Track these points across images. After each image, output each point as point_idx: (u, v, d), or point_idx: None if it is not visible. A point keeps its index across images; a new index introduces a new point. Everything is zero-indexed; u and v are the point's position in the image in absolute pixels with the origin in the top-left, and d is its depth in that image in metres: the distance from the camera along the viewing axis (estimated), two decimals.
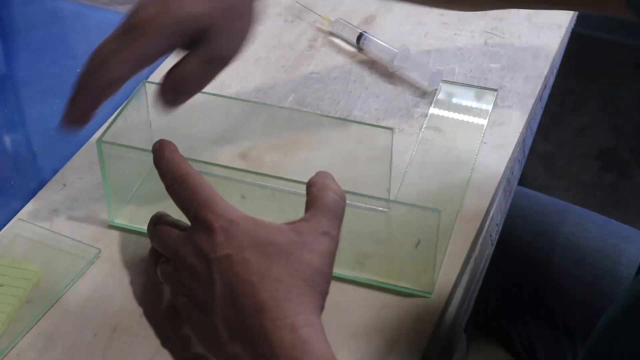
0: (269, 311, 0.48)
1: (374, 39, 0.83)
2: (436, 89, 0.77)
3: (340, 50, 0.85)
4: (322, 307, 0.52)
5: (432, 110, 0.75)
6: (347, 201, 0.55)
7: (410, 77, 0.81)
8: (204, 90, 0.61)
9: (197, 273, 0.51)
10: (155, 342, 0.57)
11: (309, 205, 0.54)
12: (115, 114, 0.64)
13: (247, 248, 0.50)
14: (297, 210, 0.62)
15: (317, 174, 0.56)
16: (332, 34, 0.86)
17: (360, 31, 0.84)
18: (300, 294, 0.49)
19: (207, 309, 0.50)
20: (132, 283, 0.61)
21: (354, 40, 0.84)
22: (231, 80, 0.80)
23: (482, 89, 0.78)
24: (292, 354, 0.47)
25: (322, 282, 0.51)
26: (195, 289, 0.52)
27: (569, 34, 0.91)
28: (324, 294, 0.52)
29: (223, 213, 0.52)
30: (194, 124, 0.70)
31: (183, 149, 0.69)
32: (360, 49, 0.84)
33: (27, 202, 0.67)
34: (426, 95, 0.78)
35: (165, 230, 0.57)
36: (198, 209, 0.53)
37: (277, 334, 0.47)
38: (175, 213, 0.57)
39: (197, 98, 0.68)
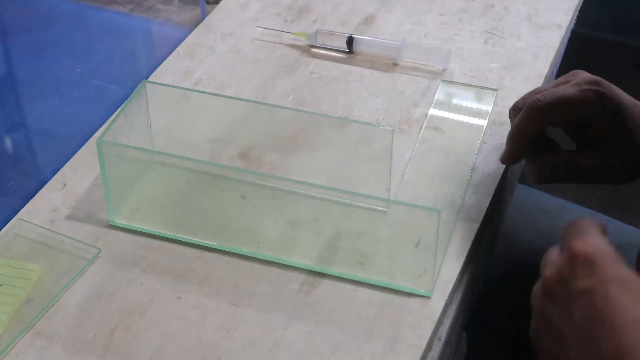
0: (632, 357, 0.43)
1: (367, 38, 0.84)
2: (437, 89, 0.77)
3: (332, 57, 0.85)
4: None
5: (432, 110, 0.75)
6: (347, 201, 0.55)
7: (421, 63, 0.81)
8: (203, 90, 0.62)
9: (557, 297, 0.48)
10: (155, 342, 0.57)
11: None
12: (115, 114, 0.64)
13: (611, 282, 0.45)
14: (297, 210, 0.62)
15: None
16: (313, 46, 0.85)
17: (347, 35, 0.84)
18: None
19: (564, 339, 0.46)
20: (132, 283, 0.61)
21: (344, 46, 0.84)
22: (231, 80, 0.80)
23: (482, 89, 0.78)
24: None
25: None
26: (552, 312, 0.48)
27: (569, 34, 0.91)
28: None
29: (590, 242, 0.48)
30: (194, 124, 0.70)
31: (183, 149, 0.69)
32: (351, 53, 0.84)
33: (27, 202, 0.67)
34: (426, 95, 0.78)
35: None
36: (575, 235, 0.49)
37: None
38: (177, 212, 0.57)
39: (197, 98, 0.68)
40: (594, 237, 0.48)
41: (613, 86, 0.64)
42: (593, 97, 0.63)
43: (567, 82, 0.65)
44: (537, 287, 0.51)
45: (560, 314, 0.47)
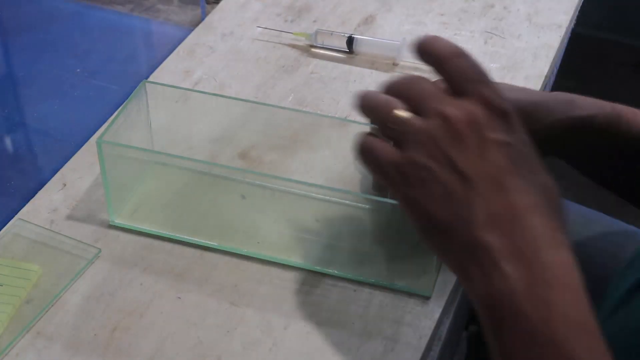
0: (543, 213, 0.44)
1: (367, 38, 0.84)
2: None
3: (332, 57, 0.85)
4: None
5: None
6: (347, 201, 0.55)
7: (421, 63, 0.81)
8: (203, 90, 0.62)
9: (467, 141, 0.46)
10: (155, 342, 0.57)
11: None
12: (115, 114, 0.64)
13: (525, 144, 0.46)
14: (297, 210, 0.62)
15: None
16: (313, 46, 0.86)
17: (347, 35, 0.84)
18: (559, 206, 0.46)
19: (469, 182, 0.45)
20: (132, 283, 0.61)
21: (344, 46, 0.84)
22: (231, 80, 0.80)
23: None
24: (559, 272, 0.43)
25: None
26: (460, 156, 0.46)
27: (569, 34, 0.91)
28: None
29: (505, 98, 0.47)
30: (194, 124, 0.70)
31: (183, 149, 0.69)
32: (351, 53, 0.84)
33: (27, 202, 0.67)
34: None
35: (427, 84, 0.51)
36: (483, 84, 0.48)
37: (548, 234, 0.43)
38: (177, 212, 0.57)
39: (197, 98, 0.68)
40: (504, 92, 0.48)
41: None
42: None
43: None
44: (412, 120, 0.48)
45: (470, 158, 0.46)
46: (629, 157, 0.64)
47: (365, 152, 0.49)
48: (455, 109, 0.47)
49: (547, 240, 0.44)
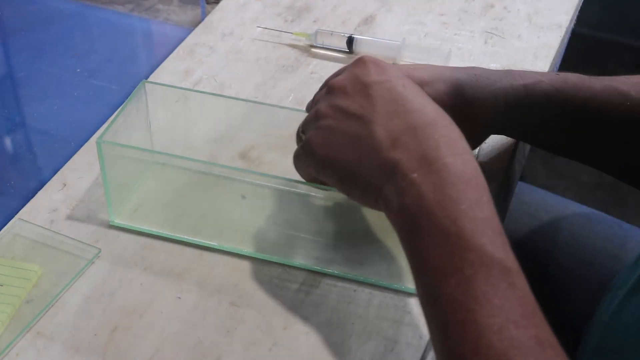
0: (440, 126, 0.49)
1: (367, 38, 0.84)
2: None
3: (332, 57, 0.85)
4: None
5: None
6: (347, 201, 0.55)
7: (421, 63, 0.81)
8: (204, 90, 0.62)
9: (351, 92, 0.53)
10: (155, 342, 0.57)
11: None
12: (115, 114, 0.64)
13: (404, 78, 0.53)
14: (297, 210, 0.62)
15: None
16: (313, 46, 0.86)
17: (347, 35, 0.84)
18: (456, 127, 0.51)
19: (365, 119, 0.51)
20: (132, 283, 0.61)
21: (344, 46, 0.84)
22: (231, 80, 0.80)
23: None
24: (463, 174, 0.47)
25: None
26: (349, 103, 0.53)
27: (569, 34, 0.91)
28: None
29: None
30: (194, 124, 0.70)
31: (183, 149, 0.69)
32: (351, 53, 0.84)
33: (27, 202, 0.67)
34: None
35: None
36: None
37: (448, 143, 0.48)
38: (177, 212, 0.57)
39: (197, 98, 0.68)
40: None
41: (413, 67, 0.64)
42: None
43: None
44: (318, 98, 0.58)
45: (358, 102, 0.53)
46: (581, 120, 0.64)
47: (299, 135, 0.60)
48: (340, 77, 0.55)
49: (448, 147, 0.48)
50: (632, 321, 0.52)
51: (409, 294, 0.60)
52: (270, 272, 0.62)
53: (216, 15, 0.90)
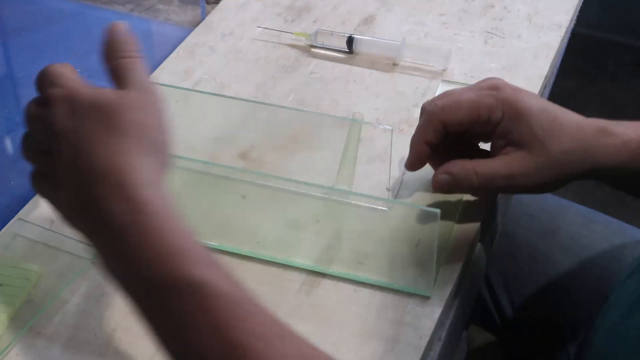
0: (104, 179, 0.48)
1: (367, 38, 0.84)
2: (438, 84, 0.77)
3: (332, 57, 0.85)
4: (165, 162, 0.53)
5: None
6: (347, 201, 0.55)
7: (421, 63, 0.81)
8: (203, 90, 0.61)
9: (44, 148, 0.50)
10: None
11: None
12: None
13: (87, 117, 0.50)
14: (297, 210, 0.62)
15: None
16: (313, 46, 0.85)
17: (347, 35, 0.84)
18: (140, 154, 0.50)
19: (53, 181, 0.50)
20: None
21: (344, 46, 0.84)
22: (231, 80, 0.80)
23: None
24: (126, 220, 0.47)
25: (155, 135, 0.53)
26: (43, 161, 0.51)
27: (569, 34, 0.91)
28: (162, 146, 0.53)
29: (64, 84, 0.52)
30: (194, 124, 0.70)
31: (183, 149, 0.69)
32: (351, 53, 0.84)
33: (27, 202, 0.67)
34: (426, 95, 0.78)
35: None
36: (44, 86, 0.52)
37: (108, 202, 0.47)
38: (180, 210, 0.57)
39: (197, 98, 0.68)
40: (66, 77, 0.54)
41: (518, 92, 0.62)
42: (490, 101, 0.61)
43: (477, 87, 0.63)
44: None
45: (50, 161, 0.50)
46: None
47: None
48: (35, 122, 0.51)
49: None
50: (634, 337, 0.51)
51: (409, 294, 0.60)
52: (270, 272, 0.62)
53: (216, 15, 0.90)
